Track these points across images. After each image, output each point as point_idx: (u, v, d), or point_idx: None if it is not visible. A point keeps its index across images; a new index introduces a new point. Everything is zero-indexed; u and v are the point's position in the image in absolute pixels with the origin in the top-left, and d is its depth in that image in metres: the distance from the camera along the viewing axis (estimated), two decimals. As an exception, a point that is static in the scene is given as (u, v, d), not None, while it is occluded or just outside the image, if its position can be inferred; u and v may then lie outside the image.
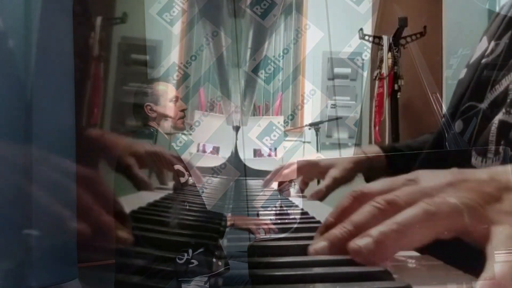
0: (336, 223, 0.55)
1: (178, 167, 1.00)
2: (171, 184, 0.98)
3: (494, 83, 0.76)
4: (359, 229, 0.52)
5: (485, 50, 0.82)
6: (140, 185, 0.94)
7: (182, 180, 1.00)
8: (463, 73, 0.91)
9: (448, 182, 0.50)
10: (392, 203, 0.50)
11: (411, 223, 0.48)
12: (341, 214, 0.55)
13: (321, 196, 0.69)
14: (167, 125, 1.08)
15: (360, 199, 0.55)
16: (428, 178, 0.51)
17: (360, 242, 0.50)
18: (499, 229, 0.47)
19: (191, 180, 1.02)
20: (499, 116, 0.70)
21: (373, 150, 0.86)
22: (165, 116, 1.09)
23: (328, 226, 0.56)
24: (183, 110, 1.13)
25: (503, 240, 0.46)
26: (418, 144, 0.86)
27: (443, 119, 0.88)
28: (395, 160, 0.62)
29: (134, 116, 1.13)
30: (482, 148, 0.67)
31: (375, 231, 0.49)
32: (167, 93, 1.11)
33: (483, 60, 0.80)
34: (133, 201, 0.92)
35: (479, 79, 0.79)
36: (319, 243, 0.54)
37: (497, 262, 0.45)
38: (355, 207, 0.54)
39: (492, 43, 0.79)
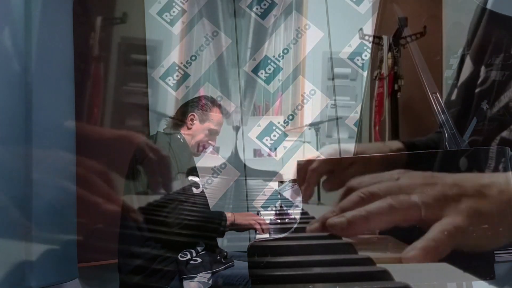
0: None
1: (194, 178, 0.99)
2: (183, 192, 0.98)
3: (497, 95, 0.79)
4: (344, 212, 0.64)
5: (476, 76, 0.84)
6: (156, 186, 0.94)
7: (196, 191, 0.99)
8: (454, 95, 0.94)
9: (421, 183, 0.63)
10: (374, 194, 0.62)
11: (376, 212, 0.61)
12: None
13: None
14: (190, 141, 1.04)
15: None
16: (407, 178, 0.63)
17: (336, 219, 0.62)
18: (444, 219, 0.60)
19: (201, 189, 1.02)
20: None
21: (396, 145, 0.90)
22: (196, 136, 1.03)
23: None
24: (205, 147, 1.09)
25: (439, 225, 0.59)
26: (424, 142, 0.90)
27: (444, 120, 0.88)
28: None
29: (173, 116, 1.08)
30: (483, 149, 0.67)
31: (348, 213, 0.62)
32: (219, 122, 1.05)
33: (477, 90, 0.84)
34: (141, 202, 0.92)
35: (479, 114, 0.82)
36: (313, 224, 0.65)
37: (422, 238, 0.59)
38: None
39: (483, 69, 0.83)
